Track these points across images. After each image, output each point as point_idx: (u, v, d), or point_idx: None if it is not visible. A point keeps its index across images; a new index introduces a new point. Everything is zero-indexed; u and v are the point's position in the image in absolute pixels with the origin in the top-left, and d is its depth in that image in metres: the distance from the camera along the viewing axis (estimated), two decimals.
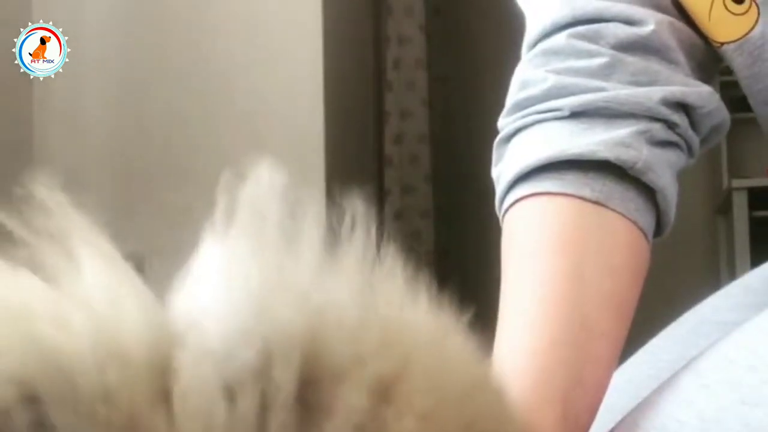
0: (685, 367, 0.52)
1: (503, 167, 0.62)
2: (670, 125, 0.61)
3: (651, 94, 0.60)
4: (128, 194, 2.95)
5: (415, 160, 3.93)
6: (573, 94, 0.61)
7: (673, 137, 0.61)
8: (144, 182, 2.95)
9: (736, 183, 3.76)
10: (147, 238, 2.97)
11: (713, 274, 4.34)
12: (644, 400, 0.53)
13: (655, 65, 0.62)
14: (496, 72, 5.34)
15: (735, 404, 0.47)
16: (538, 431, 0.51)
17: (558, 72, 0.63)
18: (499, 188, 0.62)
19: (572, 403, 0.52)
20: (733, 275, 3.81)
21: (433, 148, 3.99)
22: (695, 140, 0.64)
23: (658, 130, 0.60)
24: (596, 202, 0.58)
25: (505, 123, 0.65)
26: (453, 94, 4.43)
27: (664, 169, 0.60)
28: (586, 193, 0.58)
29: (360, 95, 3.75)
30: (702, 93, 0.63)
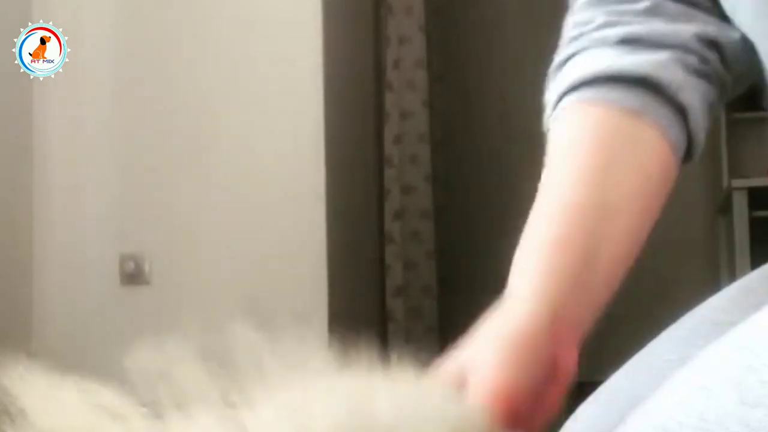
0: (685, 367, 0.52)
1: (553, 87, 0.69)
2: (703, 59, 0.67)
3: (687, 29, 0.67)
4: (128, 194, 2.95)
5: (415, 160, 3.93)
6: (620, 25, 0.68)
7: (706, 69, 0.67)
8: (144, 182, 2.95)
9: (736, 183, 3.76)
10: (147, 237, 2.97)
11: (713, 274, 4.34)
12: (644, 400, 0.53)
13: (692, 10, 0.68)
14: (495, 72, 5.33)
15: (735, 405, 0.47)
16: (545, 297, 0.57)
17: (605, 13, 0.70)
18: (548, 107, 0.68)
19: (584, 285, 0.59)
20: (733, 275, 3.81)
21: (433, 148, 3.99)
22: (727, 78, 0.69)
23: (693, 61, 0.67)
24: (632, 112, 0.64)
25: (558, 54, 0.71)
26: (453, 94, 4.42)
27: (694, 94, 0.66)
28: (625, 102, 0.64)
29: (360, 95, 3.75)
30: (733, 36, 0.68)
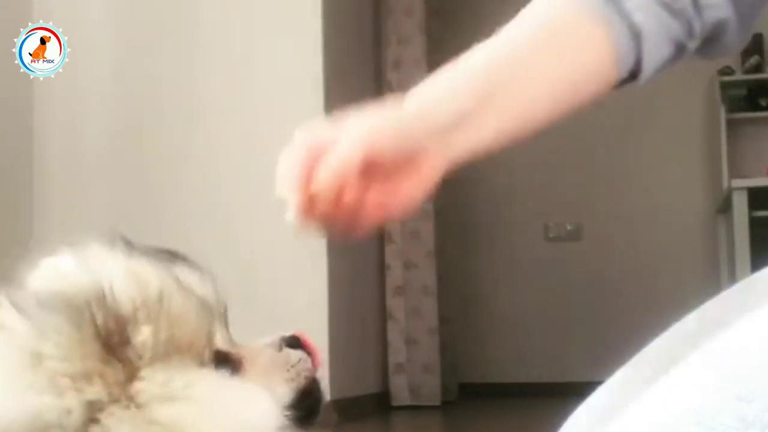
0: (683, 364, 0.53)
1: None
2: None
3: None
4: (127, 194, 2.95)
5: None
6: None
7: (675, 5, 0.71)
8: (143, 181, 2.95)
9: (736, 183, 3.76)
10: (146, 237, 2.97)
11: (713, 274, 4.34)
12: (643, 397, 0.53)
13: None
14: None
15: (731, 400, 0.47)
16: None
17: None
18: None
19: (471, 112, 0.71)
20: (733, 275, 3.81)
21: None
22: (696, 21, 0.72)
23: None
24: (592, 14, 0.70)
25: None
26: None
27: (651, 19, 0.71)
28: (588, 5, 0.71)
29: (360, 95, 3.75)
30: None
